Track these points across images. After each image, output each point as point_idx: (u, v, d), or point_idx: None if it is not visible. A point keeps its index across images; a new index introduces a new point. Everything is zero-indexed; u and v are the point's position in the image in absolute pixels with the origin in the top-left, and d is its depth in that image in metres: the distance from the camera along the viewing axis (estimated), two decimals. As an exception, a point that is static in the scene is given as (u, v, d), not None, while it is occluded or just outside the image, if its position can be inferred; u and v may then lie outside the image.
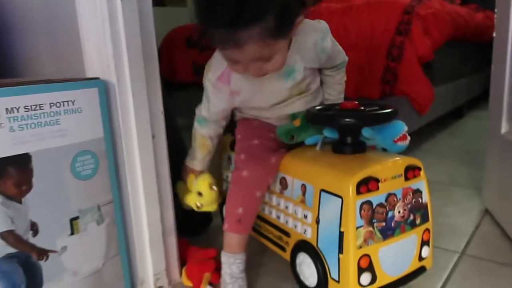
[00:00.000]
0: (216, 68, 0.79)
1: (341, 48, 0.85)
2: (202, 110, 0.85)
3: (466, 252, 0.92)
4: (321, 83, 0.88)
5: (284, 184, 0.79)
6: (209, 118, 0.85)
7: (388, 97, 1.56)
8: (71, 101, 0.62)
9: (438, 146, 1.80)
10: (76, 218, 0.65)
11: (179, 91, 2.10)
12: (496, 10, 1.09)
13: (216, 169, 0.99)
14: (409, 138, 0.77)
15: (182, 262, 0.85)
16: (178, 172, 0.90)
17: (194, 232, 1.03)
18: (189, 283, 0.82)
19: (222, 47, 0.67)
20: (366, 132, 0.73)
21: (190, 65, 2.25)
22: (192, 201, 0.87)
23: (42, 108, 0.59)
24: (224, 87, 0.79)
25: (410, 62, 1.53)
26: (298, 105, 0.82)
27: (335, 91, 0.89)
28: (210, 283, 0.81)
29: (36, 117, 0.58)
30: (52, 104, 0.60)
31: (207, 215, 1.04)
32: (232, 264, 0.77)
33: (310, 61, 0.78)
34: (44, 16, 0.83)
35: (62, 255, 0.64)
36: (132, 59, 0.69)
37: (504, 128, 1.02)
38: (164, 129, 0.77)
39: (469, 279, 0.82)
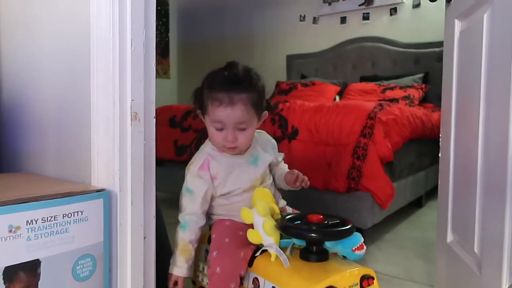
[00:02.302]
0: (196, 163, 1.00)
1: None
2: (185, 209, 0.98)
3: None
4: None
5: (256, 284, 0.89)
6: (192, 212, 0.97)
7: (353, 191, 1.72)
8: (80, 211, 0.73)
9: (398, 238, 1.94)
10: (71, 315, 0.73)
11: (159, 166, 2.21)
12: (441, 117, 1.26)
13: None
14: (365, 247, 0.90)
15: None
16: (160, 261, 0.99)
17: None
18: None
19: (219, 105, 0.91)
20: (329, 243, 0.86)
21: (172, 143, 2.39)
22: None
23: (56, 219, 0.69)
24: (205, 174, 0.98)
25: (373, 162, 1.71)
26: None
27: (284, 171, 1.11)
28: None
29: (50, 227, 0.69)
30: (64, 215, 0.71)
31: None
32: None
33: (268, 153, 1.06)
34: (56, 120, 0.95)
35: None
36: (134, 172, 0.82)
37: (449, 238, 1.17)
38: (154, 231, 0.88)
39: None
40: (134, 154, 0.82)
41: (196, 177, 0.98)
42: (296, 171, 1.06)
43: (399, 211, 2.14)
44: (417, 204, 2.45)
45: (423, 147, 2.36)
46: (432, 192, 2.63)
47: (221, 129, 0.94)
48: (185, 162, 1.04)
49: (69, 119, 0.91)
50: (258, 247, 0.94)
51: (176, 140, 2.39)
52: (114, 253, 0.81)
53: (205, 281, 1.04)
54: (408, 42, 3.26)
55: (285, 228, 0.86)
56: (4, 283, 0.64)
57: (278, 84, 3.44)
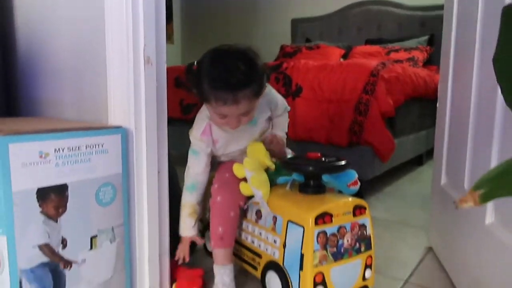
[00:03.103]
0: (198, 129, 1.04)
1: (283, 99, 1.14)
2: (190, 168, 1.06)
3: (410, 281, 1.12)
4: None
5: (259, 214, 0.98)
6: (198, 169, 1.05)
7: (355, 146, 1.80)
8: (101, 144, 0.81)
9: (398, 191, 2.03)
10: (95, 236, 0.83)
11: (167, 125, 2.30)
12: (440, 72, 1.32)
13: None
14: (359, 183, 0.98)
15: (172, 280, 1.02)
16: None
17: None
18: (179, 298, 0.99)
19: (224, 104, 0.89)
20: (325, 177, 0.94)
21: (178, 103, 2.46)
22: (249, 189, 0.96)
23: (80, 149, 0.78)
24: (207, 139, 1.03)
25: (374, 117, 1.78)
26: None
27: (279, 129, 1.13)
28: (197, 298, 0.98)
29: (75, 156, 0.77)
30: (87, 146, 0.79)
31: (193, 243, 1.22)
32: (223, 274, 0.95)
33: (264, 111, 1.06)
34: (72, 63, 1.01)
35: (81, 266, 0.81)
36: (148, 112, 0.89)
37: (443, 180, 1.25)
38: (167, 167, 0.96)
39: (407, 301, 1.01)
40: (148, 95, 0.89)
41: (198, 141, 1.04)
42: (271, 136, 1.07)
43: (400, 168, 2.22)
44: (418, 162, 2.52)
45: (425, 107, 2.41)
46: (433, 152, 2.70)
47: (224, 116, 0.94)
48: (192, 120, 1.08)
49: (85, 65, 0.98)
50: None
51: (182, 100, 2.46)
52: (132, 184, 0.89)
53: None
54: (414, 4, 3.24)
55: (286, 163, 0.94)
56: (38, 201, 0.73)
57: (282, 48, 3.46)
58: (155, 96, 0.90)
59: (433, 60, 2.90)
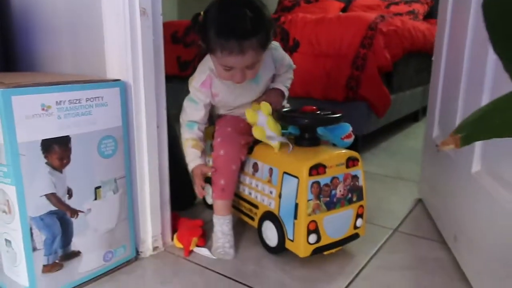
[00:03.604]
0: (198, 78, 1.03)
1: (289, 58, 1.13)
2: (188, 115, 1.05)
3: (398, 229, 1.18)
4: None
5: (256, 167, 1.01)
6: (196, 117, 1.05)
7: (351, 101, 1.81)
8: (100, 97, 0.83)
9: (393, 146, 2.07)
10: (99, 187, 0.86)
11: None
12: (437, 23, 1.32)
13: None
14: (353, 136, 1.01)
15: (173, 230, 1.07)
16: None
17: (183, 207, 1.25)
18: (180, 245, 1.04)
19: (230, 54, 0.89)
20: (320, 130, 0.97)
21: (175, 59, 2.44)
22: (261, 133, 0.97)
23: (80, 102, 0.79)
24: (206, 91, 1.03)
25: (371, 72, 1.78)
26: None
27: (281, 83, 1.12)
28: (197, 245, 1.03)
29: (76, 109, 0.79)
30: (87, 99, 0.80)
31: (192, 194, 1.27)
32: (222, 224, 1.00)
33: (268, 68, 1.05)
34: (68, 18, 1.01)
35: (87, 215, 0.85)
36: (145, 65, 0.90)
37: (435, 133, 1.28)
38: (166, 121, 0.98)
39: (397, 247, 1.07)
40: (145, 48, 0.89)
41: (198, 92, 1.03)
42: (267, 94, 1.07)
43: (395, 124, 2.25)
44: (413, 118, 2.55)
45: (423, 62, 2.39)
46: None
47: (229, 69, 0.93)
48: (189, 78, 1.08)
49: (81, 18, 0.97)
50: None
51: (179, 56, 2.44)
52: (132, 137, 0.92)
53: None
54: (417, -46, 3.12)
55: (282, 116, 0.96)
56: (43, 153, 0.75)
57: (280, 1, 3.37)
58: (152, 49, 0.91)
59: (433, 13, 2.85)
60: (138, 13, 0.85)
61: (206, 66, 1.02)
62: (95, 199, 0.86)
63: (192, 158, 1.04)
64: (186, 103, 1.06)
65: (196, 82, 1.03)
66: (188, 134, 1.05)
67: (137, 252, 0.99)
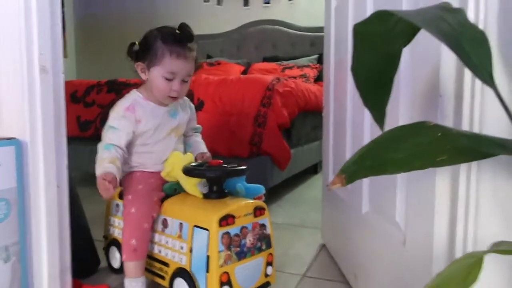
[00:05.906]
0: (123, 104, 1.07)
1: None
2: (107, 139, 1.02)
3: (306, 275, 1.23)
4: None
5: (165, 223, 1.00)
6: (115, 141, 1.01)
7: (255, 156, 1.91)
8: (-8, 157, 0.77)
9: (296, 197, 2.20)
10: (-14, 256, 0.77)
11: (64, 145, 2.17)
12: (323, 85, 1.50)
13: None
14: (264, 198, 1.07)
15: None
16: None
17: (85, 273, 1.16)
18: (83, 316, 0.96)
19: (177, 57, 1.02)
20: (238, 187, 1.01)
21: (75, 119, 2.34)
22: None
23: (-33, 163, 0.73)
24: (130, 116, 1.05)
25: (272, 128, 1.91)
26: (175, 144, 1.13)
27: (203, 148, 1.23)
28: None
29: (-38, 171, 0.72)
30: (-24, 160, 0.74)
31: (96, 258, 1.19)
32: (135, 287, 0.94)
33: (185, 111, 1.17)
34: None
35: (-30, 289, 0.75)
36: (45, 123, 0.87)
37: (330, 179, 1.40)
38: (67, 182, 0.94)
39: (304, 292, 1.12)
40: (44, 105, 0.86)
41: (121, 117, 1.04)
42: (206, 156, 1.17)
43: (297, 176, 2.39)
44: (313, 170, 2.74)
45: (318, 119, 2.63)
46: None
47: (170, 80, 1.04)
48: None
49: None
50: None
51: (78, 116, 2.35)
52: (27, 199, 0.85)
53: (116, 232, 1.13)
54: (304, 26, 3.54)
55: (189, 171, 0.98)
56: None
57: (184, 64, 3.50)
58: (52, 106, 0.88)
59: (322, 77, 3.19)
60: (38, 70, 0.84)
61: (131, 96, 1.09)
62: (-19, 271, 0.77)
63: (106, 167, 0.96)
64: (106, 130, 1.04)
65: (119, 107, 1.07)
66: (106, 154, 0.99)
67: (31, 329, 0.89)
